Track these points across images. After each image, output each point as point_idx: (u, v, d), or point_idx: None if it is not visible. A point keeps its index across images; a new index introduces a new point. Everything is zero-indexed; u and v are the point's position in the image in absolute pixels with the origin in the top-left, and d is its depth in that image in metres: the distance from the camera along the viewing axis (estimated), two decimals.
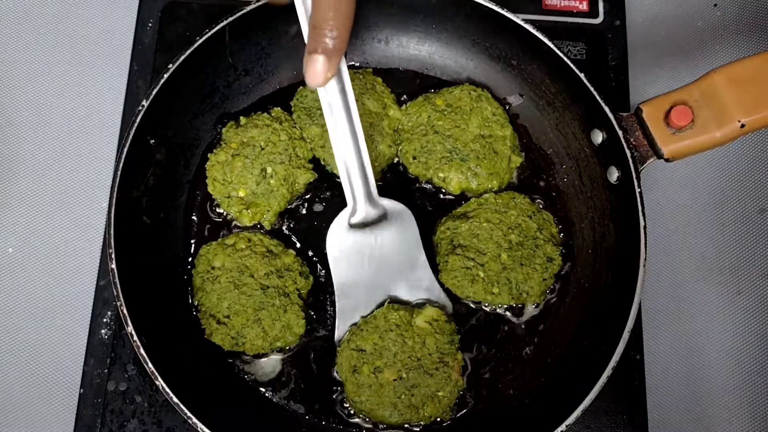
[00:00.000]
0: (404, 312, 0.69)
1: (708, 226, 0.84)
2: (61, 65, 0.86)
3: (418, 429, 0.69)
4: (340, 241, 0.70)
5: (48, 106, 0.84)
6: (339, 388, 0.71)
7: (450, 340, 0.70)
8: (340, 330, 0.71)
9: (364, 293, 0.71)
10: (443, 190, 0.78)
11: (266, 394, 0.71)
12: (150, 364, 0.62)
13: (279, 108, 0.78)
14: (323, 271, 0.75)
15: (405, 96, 0.81)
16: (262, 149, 0.75)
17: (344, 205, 0.77)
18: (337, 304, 0.71)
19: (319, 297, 0.74)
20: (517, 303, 0.74)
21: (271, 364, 0.72)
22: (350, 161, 0.65)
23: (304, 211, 0.77)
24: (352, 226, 0.70)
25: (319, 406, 0.71)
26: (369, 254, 0.71)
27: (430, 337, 0.69)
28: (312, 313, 0.74)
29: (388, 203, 0.70)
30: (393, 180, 0.79)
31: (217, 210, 0.76)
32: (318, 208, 0.77)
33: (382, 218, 0.70)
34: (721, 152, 0.85)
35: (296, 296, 0.71)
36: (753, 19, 0.92)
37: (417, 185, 0.79)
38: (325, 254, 0.75)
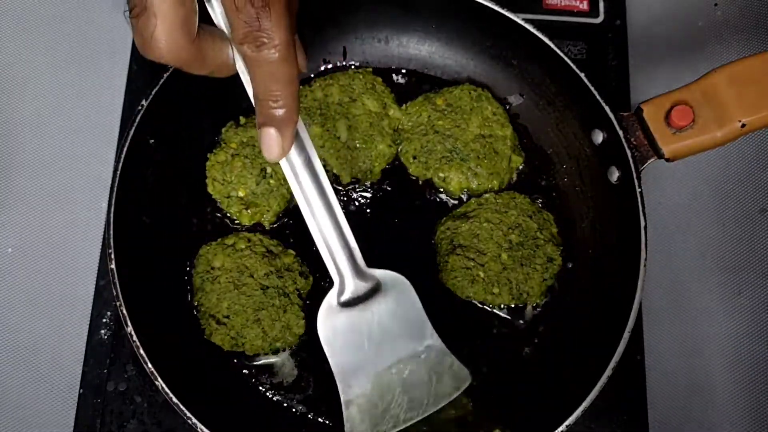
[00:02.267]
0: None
1: (708, 225, 0.84)
2: (61, 65, 0.86)
3: None
4: (333, 324, 0.63)
5: (48, 106, 0.84)
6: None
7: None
8: (350, 424, 0.64)
9: (369, 379, 0.64)
10: (443, 190, 0.78)
11: (267, 394, 0.71)
12: (150, 365, 0.62)
13: None
14: (323, 271, 0.75)
15: (405, 96, 0.81)
16: None
17: (345, 205, 0.77)
18: (341, 396, 0.64)
19: (319, 297, 0.74)
20: (518, 303, 0.74)
21: (276, 365, 0.72)
22: (330, 236, 0.60)
23: None
24: (342, 304, 0.63)
25: (324, 407, 0.71)
26: (367, 333, 0.64)
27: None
28: (311, 312, 0.74)
29: (380, 273, 0.64)
30: (393, 180, 0.79)
31: (217, 210, 0.76)
32: None
33: (376, 291, 0.64)
34: (722, 152, 0.84)
35: (296, 296, 0.71)
36: (753, 19, 0.91)
37: (417, 185, 0.79)
38: None
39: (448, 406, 0.67)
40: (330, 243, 0.60)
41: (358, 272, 0.63)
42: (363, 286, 0.63)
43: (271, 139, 0.50)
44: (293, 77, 0.48)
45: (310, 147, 0.57)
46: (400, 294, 0.65)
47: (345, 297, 0.63)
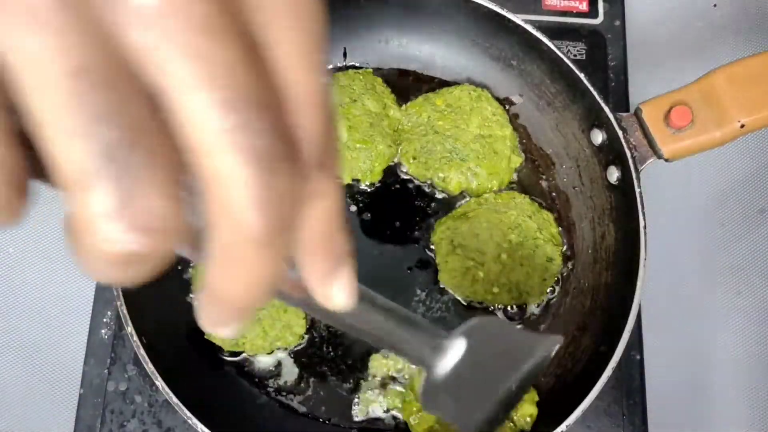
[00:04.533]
0: None
1: (708, 226, 0.84)
2: None
3: None
4: (439, 401, 0.57)
5: None
6: (345, 388, 0.71)
7: None
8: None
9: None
10: (443, 191, 0.78)
11: (267, 394, 0.71)
12: (150, 364, 0.62)
13: None
14: None
15: (405, 96, 0.81)
16: None
17: (345, 206, 0.76)
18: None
19: None
20: (517, 303, 0.74)
21: (274, 363, 0.72)
22: (389, 335, 0.46)
23: None
24: (439, 381, 0.59)
25: (324, 407, 0.71)
26: (473, 386, 0.62)
27: None
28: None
29: (462, 331, 0.53)
30: (393, 180, 0.79)
31: None
32: None
33: (468, 348, 0.58)
34: (721, 152, 0.84)
35: None
36: (753, 19, 0.92)
37: (417, 185, 0.79)
38: None
39: None
40: (395, 341, 0.48)
41: (439, 349, 0.52)
42: (452, 356, 0.54)
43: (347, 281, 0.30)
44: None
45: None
46: (490, 337, 0.57)
47: (438, 375, 0.56)
